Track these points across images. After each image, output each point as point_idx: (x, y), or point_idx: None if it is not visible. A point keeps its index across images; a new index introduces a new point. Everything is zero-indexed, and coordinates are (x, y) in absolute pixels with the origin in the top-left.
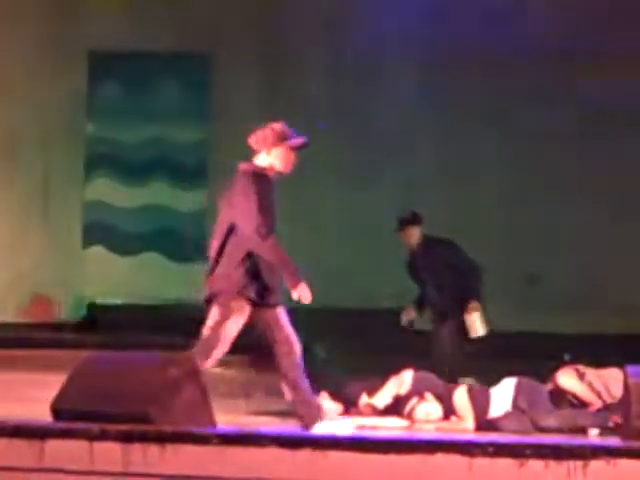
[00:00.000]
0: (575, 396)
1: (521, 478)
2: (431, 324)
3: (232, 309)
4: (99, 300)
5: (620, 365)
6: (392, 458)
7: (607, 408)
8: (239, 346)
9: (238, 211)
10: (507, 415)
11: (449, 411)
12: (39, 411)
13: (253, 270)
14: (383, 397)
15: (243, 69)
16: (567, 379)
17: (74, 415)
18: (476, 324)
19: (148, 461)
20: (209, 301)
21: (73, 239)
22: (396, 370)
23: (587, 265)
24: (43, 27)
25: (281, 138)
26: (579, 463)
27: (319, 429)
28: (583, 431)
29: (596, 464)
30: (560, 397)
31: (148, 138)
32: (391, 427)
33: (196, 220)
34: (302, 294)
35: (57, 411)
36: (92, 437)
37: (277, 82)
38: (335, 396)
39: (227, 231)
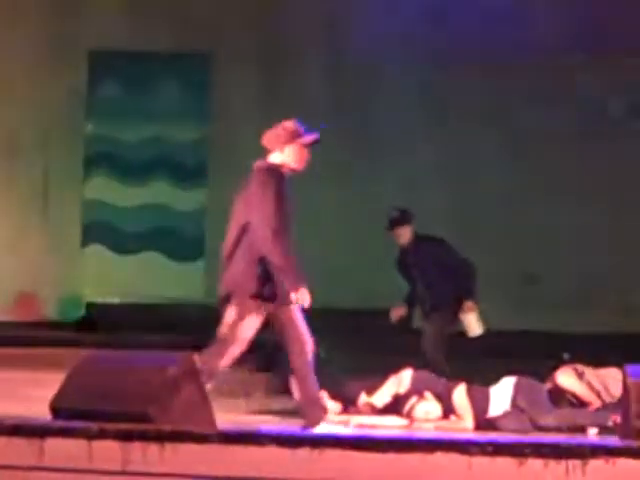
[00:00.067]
0: (574, 395)
1: (520, 477)
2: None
3: (248, 309)
4: (98, 299)
5: (619, 364)
6: (391, 457)
7: (606, 407)
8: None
9: (253, 210)
10: (506, 414)
11: (448, 410)
12: (38, 410)
13: (268, 269)
14: (382, 396)
15: (243, 69)
16: (566, 378)
17: (73, 414)
18: (473, 324)
19: (147, 460)
20: (224, 300)
21: (72, 238)
22: (395, 369)
23: (586, 264)
24: (43, 27)
25: (293, 136)
26: (578, 462)
27: (319, 429)
28: (582, 430)
29: (595, 463)
30: (559, 396)
31: (148, 137)
32: (390, 426)
33: (196, 219)
34: (301, 297)
35: (56, 410)
36: (91, 436)
37: (277, 82)
38: (334, 395)
39: (242, 229)
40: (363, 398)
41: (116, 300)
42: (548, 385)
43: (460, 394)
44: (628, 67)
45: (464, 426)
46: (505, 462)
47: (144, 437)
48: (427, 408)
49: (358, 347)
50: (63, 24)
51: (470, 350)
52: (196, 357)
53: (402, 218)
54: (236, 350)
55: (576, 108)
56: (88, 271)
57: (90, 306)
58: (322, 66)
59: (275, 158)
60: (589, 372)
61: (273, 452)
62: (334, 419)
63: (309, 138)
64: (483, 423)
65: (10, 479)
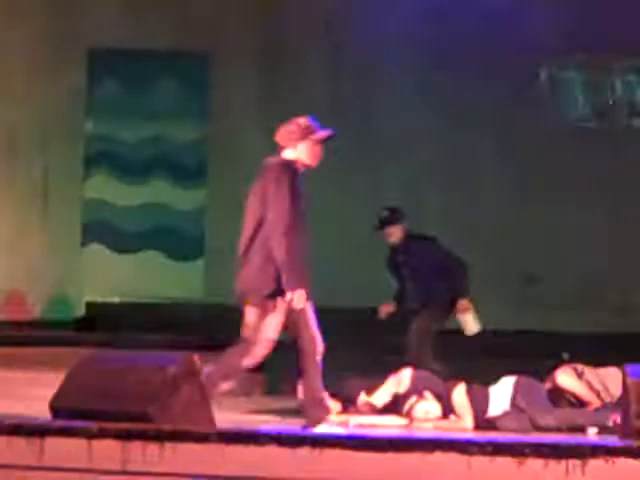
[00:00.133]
0: (574, 395)
1: (520, 477)
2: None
3: (267, 308)
4: (98, 298)
5: (619, 364)
6: (391, 457)
7: (606, 407)
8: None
9: (268, 205)
10: (506, 414)
11: (448, 410)
12: (38, 409)
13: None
14: (382, 396)
15: (242, 68)
16: (566, 378)
17: (73, 413)
18: (470, 323)
19: (147, 460)
20: (242, 300)
21: (72, 237)
22: (395, 369)
23: (586, 264)
24: (42, 25)
25: (306, 132)
26: (578, 462)
27: (319, 429)
28: (582, 430)
29: (595, 463)
30: (559, 396)
31: (148, 136)
32: (390, 426)
33: (195, 218)
34: (295, 298)
35: (56, 409)
36: (91, 435)
37: (277, 81)
38: (334, 395)
39: (256, 226)
40: (363, 398)
41: (116, 299)
42: (548, 385)
43: (460, 394)
44: (627, 67)
45: (464, 426)
46: (505, 462)
47: (144, 437)
48: (427, 408)
49: (357, 346)
50: (63, 23)
51: (470, 350)
52: (218, 357)
53: (392, 217)
54: (261, 351)
55: (578, 107)
56: (88, 270)
57: (90, 305)
58: (322, 65)
59: (288, 154)
60: (589, 372)
61: (273, 452)
62: (334, 419)
63: (322, 134)
64: (483, 423)
65: (10, 479)
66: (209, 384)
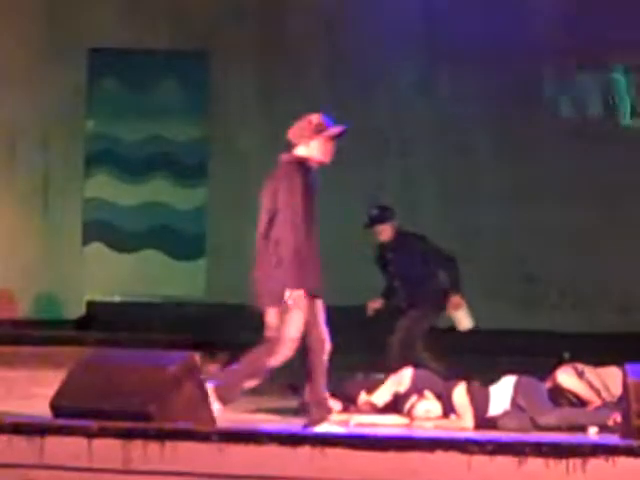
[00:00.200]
0: (574, 394)
1: (520, 476)
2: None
3: (285, 307)
4: (99, 297)
5: (619, 364)
6: (391, 456)
7: (606, 406)
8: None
9: (279, 203)
10: (506, 413)
11: (448, 409)
12: (39, 408)
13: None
14: (382, 395)
15: (242, 67)
16: (566, 377)
17: (74, 412)
18: (462, 319)
19: (148, 458)
20: (259, 301)
21: (73, 236)
22: (395, 368)
23: (587, 264)
24: (43, 24)
25: (318, 129)
26: (578, 461)
27: (320, 428)
28: (582, 429)
29: (595, 462)
30: (559, 395)
31: (148, 135)
32: (390, 425)
33: (196, 217)
34: (292, 298)
35: (57, 408)
36: (91, 434)
37: (276, 81)
38: (334, 394)
39: (269, 225)
40: (363, 397)
41: (116, 298)
42: (548, 384)
43: (460, 393)
44: (627, 67)
45: (464, 425)
46: (505, 461)
47: (144, 435)
48: (427, 407)
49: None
50: (63, 21)
51: (470, 349)
52: (242, 357)
53: (382, 215)
54: (287, 351)
55: (577, 108)
56: (89, 269)
57: (90, 304)
58: (322, 64)
59: (301, 151)
60: (589, 371)
61: (273, 451)
62: (334, 418)
63: (334, 131)
64: (483, 422)
65: (11, 478)
66: (233, 384)
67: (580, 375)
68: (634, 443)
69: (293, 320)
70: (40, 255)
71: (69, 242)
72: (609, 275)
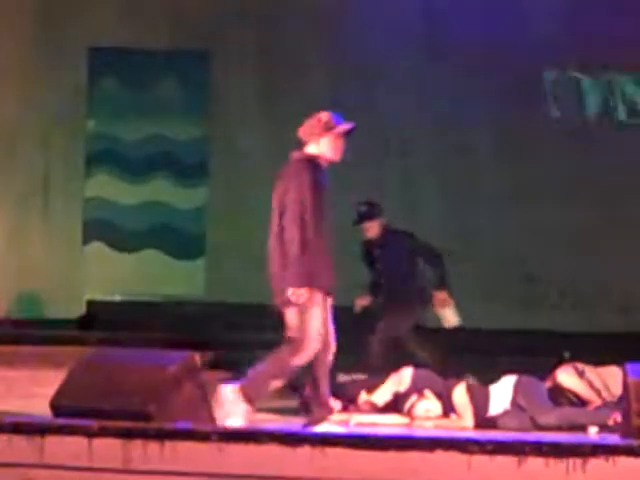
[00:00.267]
0: (575, 394)
1: (520, 476)
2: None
3: (304, 305)
4: (99, 297)
5: (620, 363)
6: (391, 455)
7: (606, 406)
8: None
9: (288, 200)
10: (506, 413)
11: (448, 408)
12: (39, 407)
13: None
14: (382, 394)
15: (243, 67)
16: (567, 377)
17: (74, 412)
18: (448, 316)
19: (148, 458)
20: (276, 300)
21: (73, 236)
22: (396, 367)
23: (587, 264)
24: (43, 23)
25: (328, 127)
26: (578, 461)
27: (320, 428)
28: (582, 429)
29: (595, 462)
30: (559, 395)
31: (148, 135)
32: (390, 424)
33: (196, 217)
34: (297, 296)
35: (57, 408)
36: (91, 434)
37: (277, 80)
38: (334, 393)
39: (280, 224)
40: (363, 396)
41: (117, 298)
42: (548, 384)
43: (460, 392)
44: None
45: (464, 424)
46: (505, 461)
47: (144, 435)
48: (427, 406)
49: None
50: (63, 22)
51: (470, 348)
52: (267, 357)
53: (371, 212)
54: (313, 348)
55: (577, 108)
56: (89, 269)
57: (91, 304)
58: (322, 64)
59: (311, 149)
60: (589, 371)
61: (273, 450)
62: (334, 417)
63: (343, 128)
64: (483, 422)
65: (11, 477)
66: (259, 384)
67: (580, 375)
68: (634, 443)
69: (313, 317)
70: (40, 254)
71: (69, 241)
72: (609, 275)
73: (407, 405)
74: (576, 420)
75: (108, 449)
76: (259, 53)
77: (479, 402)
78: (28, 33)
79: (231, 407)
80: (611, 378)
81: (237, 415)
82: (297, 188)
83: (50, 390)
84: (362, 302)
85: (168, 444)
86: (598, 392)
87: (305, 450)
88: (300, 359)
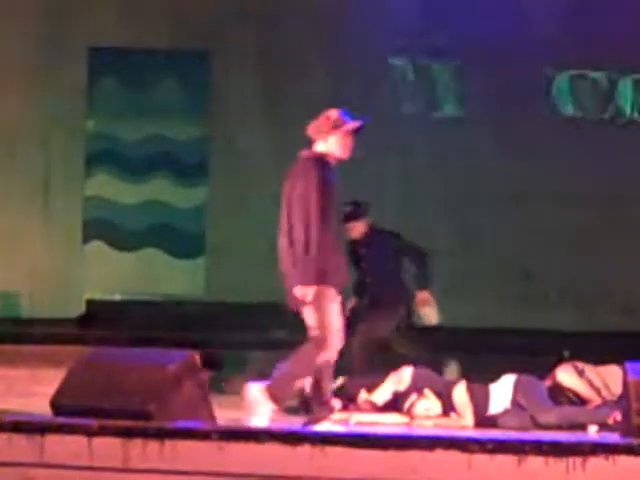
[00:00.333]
0: (574, 393)
1: (520, 475)
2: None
3: (319, 303)
4: (99, 296)
5: (619, 362)
6: (391, 454)
7: (606, 405)
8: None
9: (295, 198)
10: (506, 412)
11: (448, 407)
12: (39, 406)
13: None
14: (382, 393)
15: (243, 67)
16: (566, 376)
17: (74, 411)
18: (428, 315)
19: (147, 457)
20: (288, 300)
21: (73, 235)
22: (395, 367)
23: (587, 263)
24: (43, 23)
25: (336, 125)
26: (578, 460)
27: (320, 427)
28: (582, 428)
29: (595, 461)
30: (559, 394)
31: (148, 134)
32: (390, 423)
33: (196, 216)
34: (304, 293)
35: (57, 407)
36: (91, 433)
37: (277, 80)
38: (334, 393)
39: (289, 222)
40: (363, 395)
41: (116, 297)
42: (548, 383)
43: (460, 391)
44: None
45: (464, 423)
46: (505, 460)
47: (144, 434)
48: (427, 405)
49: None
50: (63, 20)
51: (470, 348)
52: (290, 357)
53: (356, 212)
54: (336, 344)
55: (577, 107)
56: (89, 268)
57: (91, 303)
58: (322, 65)
59: (320, 147)
60: (589, 369)
61: (273, 449)
62: (334, 416)
63: (352, 126)
64: (483, 421)
65: (11, 476)
66: (284, 383)
67: (580, 374)
68: (634, 442)
69: (330, 314)
70: (40, 254)
71: (69, 241)
72: (609, 275)
73: (407, 404)
74: (576, 419)
75: (108, 448)
76: (259, 53)
77: (479, 401)
78: (28, 33)
79: (258, 407)
80: (611, 377)
81: (264, 415)
82: (304, 186)
83: (50, 389)
84: (348, 305)
85: (168, 443)
86: (598, 391)
87: (305, 449)
88: (324, 356)
